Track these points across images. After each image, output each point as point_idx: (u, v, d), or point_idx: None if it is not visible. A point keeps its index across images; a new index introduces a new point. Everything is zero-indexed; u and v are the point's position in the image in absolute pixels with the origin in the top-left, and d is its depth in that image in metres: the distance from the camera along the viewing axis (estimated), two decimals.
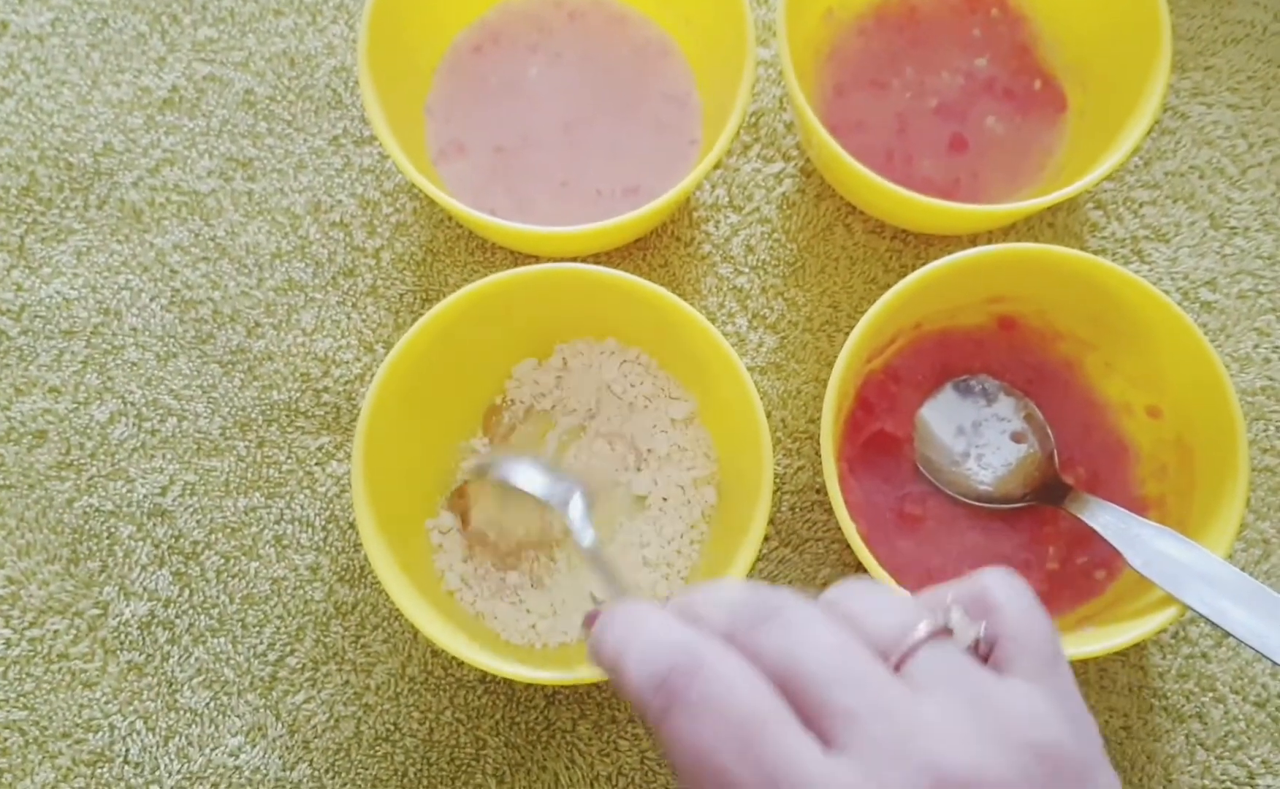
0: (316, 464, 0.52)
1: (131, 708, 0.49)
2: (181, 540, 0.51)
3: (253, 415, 0.52)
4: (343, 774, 0.48)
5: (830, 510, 0.48)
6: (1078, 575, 0.48)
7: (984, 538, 0.49)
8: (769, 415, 0.52)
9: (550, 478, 0.42)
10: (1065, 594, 0.48)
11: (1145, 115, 0.48)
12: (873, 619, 0.27)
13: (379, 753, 0.48)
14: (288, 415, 0.52)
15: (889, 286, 0.46)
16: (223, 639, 0.50)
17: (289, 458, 0.52)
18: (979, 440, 0.50)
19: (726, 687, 0.25)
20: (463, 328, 0.47)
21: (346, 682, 0.49)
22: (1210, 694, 0.49)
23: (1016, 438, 0.50)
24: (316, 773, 0.48)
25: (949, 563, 0.49)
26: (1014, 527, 0.49)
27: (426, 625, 0.43)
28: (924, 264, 0.46)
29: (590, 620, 0.32)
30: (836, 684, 0.25)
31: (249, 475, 0.51)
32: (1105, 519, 0.45)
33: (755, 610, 0.27)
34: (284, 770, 0.48)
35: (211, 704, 0.49)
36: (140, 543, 0.51)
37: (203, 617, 0.50)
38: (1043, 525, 0.49)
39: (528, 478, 0.42)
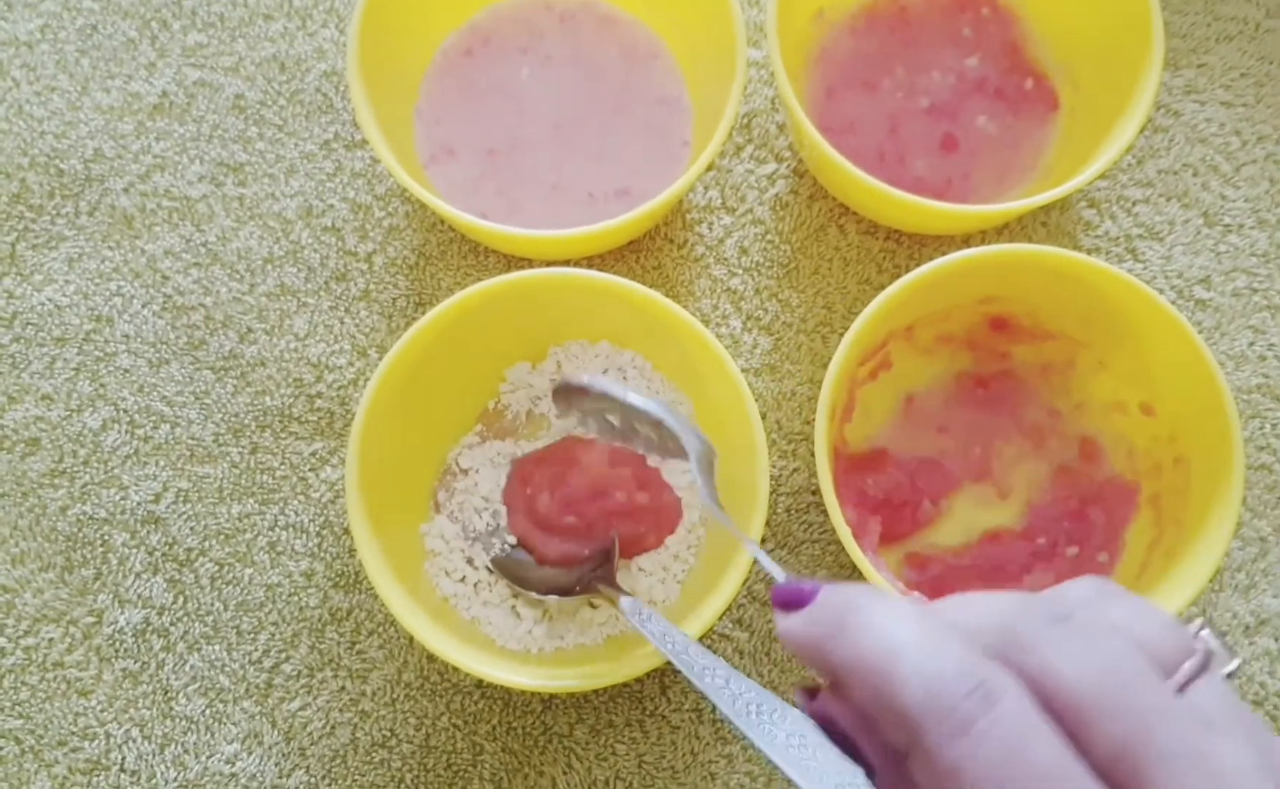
0: (310, 470, 0.51)
1: (127, 716, 0.49)
2: (175, 547, 0.51)
3: (246, 421, 0.52)
4: (339, 781, 0.48)
5: (826, 512, 0.48)
6: (1086, 565, 0.48)
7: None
8: (764, 417, 0.52)
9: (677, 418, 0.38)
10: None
11: (1137, 113, 0.48)
12: (1144, 634, 0.24)
13: (375, 759, 0.48)
14: (281, 421, 0.52)
15: (883, 287, 0.46)
16: (218, 646, 0.50)
17: (282, 464, 0.52)
18: None
19: (1024, 731, 0.23)
20: (456, 333, 0.47)
21: (342, 688, 0.49)
22: None
23: None
24: (313, 780, 0.48)
25: (947, 567, 0.49)
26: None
27: (421, 632, 0.42)
28: (918, 264, 0.46)
29: (786, 599, 0.27)
30: (1141, 728, 0.23)
31: (242, 482, 0.51)
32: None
33: (1026, 627, 0.25)
34: (280, 777, 0.48)
35: (207, 711, 0.49)
36: (134, 550, 0.50)
37: (197, 624, 0.50)
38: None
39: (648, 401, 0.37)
